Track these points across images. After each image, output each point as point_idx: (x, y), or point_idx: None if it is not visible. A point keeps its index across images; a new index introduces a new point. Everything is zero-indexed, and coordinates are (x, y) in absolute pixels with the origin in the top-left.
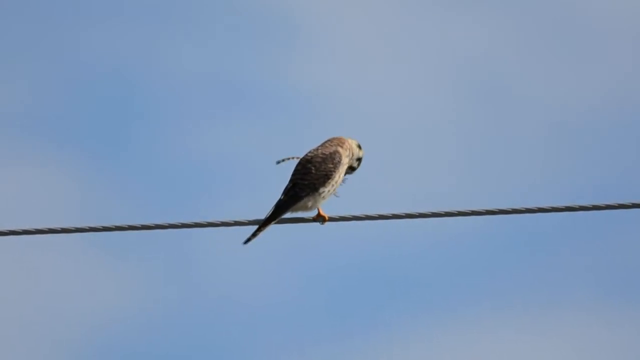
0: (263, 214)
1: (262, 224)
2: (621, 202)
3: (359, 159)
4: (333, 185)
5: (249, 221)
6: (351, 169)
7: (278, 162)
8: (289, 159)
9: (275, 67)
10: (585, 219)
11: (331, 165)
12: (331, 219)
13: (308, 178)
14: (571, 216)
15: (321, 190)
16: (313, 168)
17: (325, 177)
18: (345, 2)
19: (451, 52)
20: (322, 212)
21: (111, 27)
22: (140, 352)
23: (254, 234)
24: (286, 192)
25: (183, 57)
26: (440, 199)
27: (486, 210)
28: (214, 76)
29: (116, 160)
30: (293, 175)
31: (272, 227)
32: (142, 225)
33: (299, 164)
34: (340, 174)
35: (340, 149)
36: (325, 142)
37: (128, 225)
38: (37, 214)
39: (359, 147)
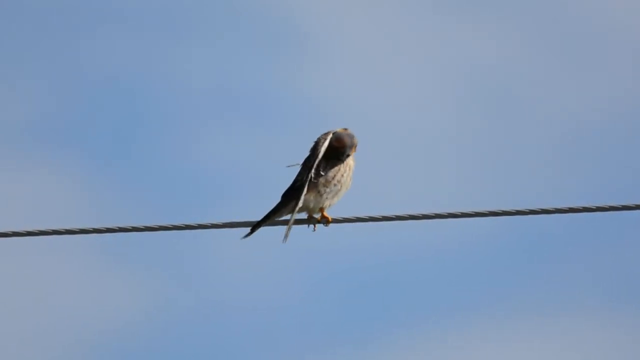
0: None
1: (262, 220)
2: (624, 203)
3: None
4: (335, 185)
5: (253, 222)
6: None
7: (289, 166)
8: (299, 164)
9: (282, 74)
10: (590, 222)
11: (336, 166)
12: (335, 221)
13: (307, 177)
14: (577, 220)
15: (322, 190)
16: (315, 166)
17: (326, 175)
18: (352, 11)
19: (459, 59)
20: (325, 214)
21: (118, 34)
22: (143, 354)
23: (252, 230)
24: (286, 192)
25: (190, 64)
26: (444, 202)
27: (489, 212)
28: (223, 82)
29: (122, 164)
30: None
31: (276, 229)
32: (145, 226)
33: (303, 164)
34: (343, 173)
35: (349, 151)
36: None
37: (131, 227)
38: (41, 216)
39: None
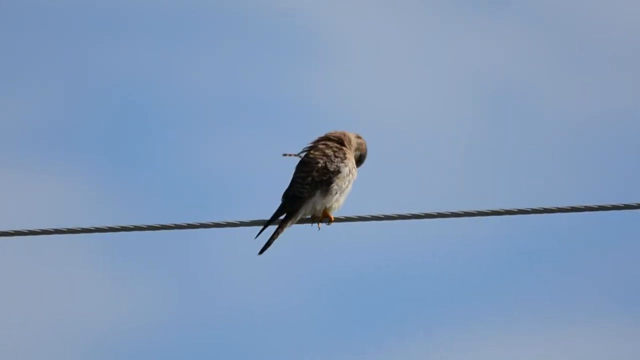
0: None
1: (275, 232)
2: (627, 202)
3: (360, 152)
4: (341, 183)
5: (254, 221)
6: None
7: (284, 155)
8: (295, 155)
9: (290, 78)
10: (594, 222)
11: (336, 165)
12: (337, 220)
13: (309, 179)
14: (582, 223)
15: (328, 190)
16: (315, 168)
17: (330, 177)
18: (360, 15)
19: (465, 60)
20: (328, 213)
21: (126, 39)
22: (146, 355)
23: (268, 243)
24: (290, 197)
25: (197, 69)
26: (448, 201)
27: (492, 211)
28: (231, 86)
29: (130, 167)
30: (296, 174)
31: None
32: (148, 225)
33: (301, 163)
34: (345, 173)
35: (344, 147)
36: (324, 139)
37: (133, 226)
38: (48, 218)
39: (359, 137)
